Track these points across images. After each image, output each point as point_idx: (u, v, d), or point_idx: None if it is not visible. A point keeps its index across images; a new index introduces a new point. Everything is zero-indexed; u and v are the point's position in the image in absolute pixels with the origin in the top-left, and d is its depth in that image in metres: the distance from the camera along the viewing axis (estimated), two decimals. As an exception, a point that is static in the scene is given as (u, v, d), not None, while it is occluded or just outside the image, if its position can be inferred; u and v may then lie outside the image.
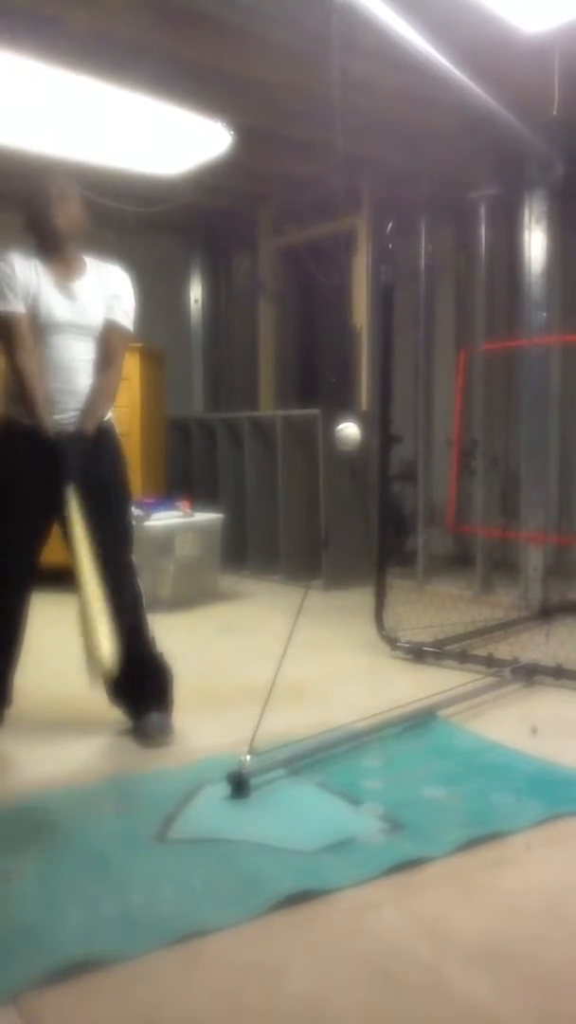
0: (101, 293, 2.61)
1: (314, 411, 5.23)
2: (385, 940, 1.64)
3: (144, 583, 2.75)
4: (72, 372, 2.56)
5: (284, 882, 1.79)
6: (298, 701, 2.94)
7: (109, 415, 2.69)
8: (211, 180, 4.97)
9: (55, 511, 2.61)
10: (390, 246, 3.92)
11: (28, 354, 2.50)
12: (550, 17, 3.12)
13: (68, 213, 2.55)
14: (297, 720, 2.70)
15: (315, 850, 1.96)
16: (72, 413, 2.57)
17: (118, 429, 2.76)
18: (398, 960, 1.57)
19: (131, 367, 4.89)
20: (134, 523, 2.86)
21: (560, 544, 5.02)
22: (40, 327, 2.51)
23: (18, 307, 2.48)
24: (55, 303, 2.53)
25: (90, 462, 2.58)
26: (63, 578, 2.70)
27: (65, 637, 2.93)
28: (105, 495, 2.62)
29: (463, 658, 3.49)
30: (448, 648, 3.63)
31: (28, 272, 2.52)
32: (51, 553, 2.68)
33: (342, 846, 1.98)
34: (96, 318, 2.60)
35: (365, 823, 2.10)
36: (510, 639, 3.87)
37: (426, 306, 5.18)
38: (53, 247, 2.56)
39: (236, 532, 5.45)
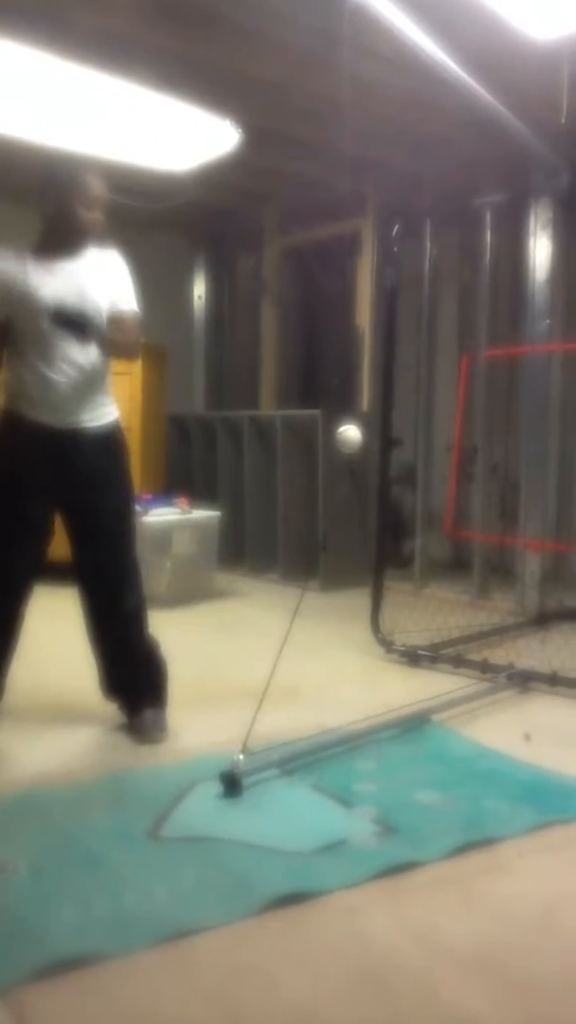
0: (101, 279, 2.56)
1: (315, 412, 5.23)
2: (376, 944, 1.64)
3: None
4: (72, 363, 2.51)
5: (275, 883, 1.79)
6: (293, 702, 2.94)
7: (115, 415, 2.68)
8: (217, 178, 4.96)
9: (58, 506, 2.61)
10: (395, 249, 3.92)
11: None
12: (560, 25, 3.12)
13: (95, 215, 2.52)
14: (291, 721, 2.70)
15: (307, 851, 1.96)
16: (78, 414, 2.56)
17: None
18: (388, 965, 1.57)
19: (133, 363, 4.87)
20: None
21: (558, 551, 5.02)
22: (33, 314, 2.48)
23: None
24: (46, 285, 2.49)
25: (95, 458, 2.58)
26: (60, 572, 2.71)
27: (61, 631, 2.94)
28: (110, 492, 2.62)
29: (458, 663, 3.49)
30: (443, 652, 3.63)
31: (14, 268, 2.50)
32: (50, 547, 2.68)
33: (334, 848, 1.98)
34: (95, 300, 2.53)
35: (357, 826, 2.11)
36: (506, 645, 3.87)
37: (429, 310, 5.19)
38: (62, 242, 2.53)
39: (234, 531, 5.46)
